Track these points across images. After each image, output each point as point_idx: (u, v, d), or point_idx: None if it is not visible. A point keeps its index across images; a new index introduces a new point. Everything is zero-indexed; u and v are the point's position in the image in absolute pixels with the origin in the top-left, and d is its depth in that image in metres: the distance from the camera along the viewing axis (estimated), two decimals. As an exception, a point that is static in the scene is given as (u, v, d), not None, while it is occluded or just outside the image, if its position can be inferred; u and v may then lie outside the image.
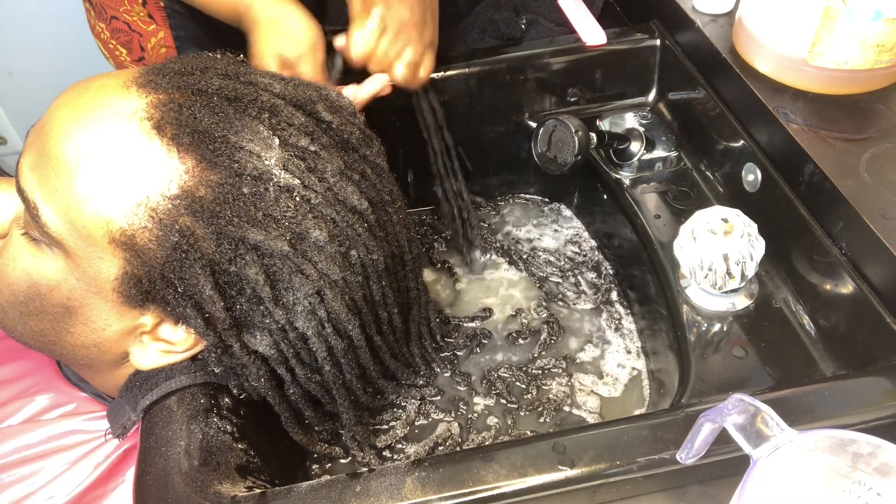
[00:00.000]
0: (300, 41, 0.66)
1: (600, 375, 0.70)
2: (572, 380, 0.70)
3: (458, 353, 0.72)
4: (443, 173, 0.80)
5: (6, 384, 0.62)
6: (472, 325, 0.76)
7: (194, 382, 0.53)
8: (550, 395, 0.68)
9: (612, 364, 0.71)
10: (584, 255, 0.82)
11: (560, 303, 0.78)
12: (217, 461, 0.49)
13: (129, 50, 0.95)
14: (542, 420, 0.66)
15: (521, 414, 0.67)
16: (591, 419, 0.67)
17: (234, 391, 0.55)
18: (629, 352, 0.72)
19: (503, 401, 0.68)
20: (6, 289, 0.52)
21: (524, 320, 0.76)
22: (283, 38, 0.66)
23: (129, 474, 0.56)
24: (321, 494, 0.46)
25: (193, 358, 0.54)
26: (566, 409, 0.67)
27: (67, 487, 0.55)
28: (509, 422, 0.66)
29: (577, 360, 0.72)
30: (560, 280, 0.80)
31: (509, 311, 0.77)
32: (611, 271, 0.80)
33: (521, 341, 0.74)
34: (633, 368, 0.71)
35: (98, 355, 0.54)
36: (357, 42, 0.68)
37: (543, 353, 0.72)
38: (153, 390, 0.53)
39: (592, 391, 0.69)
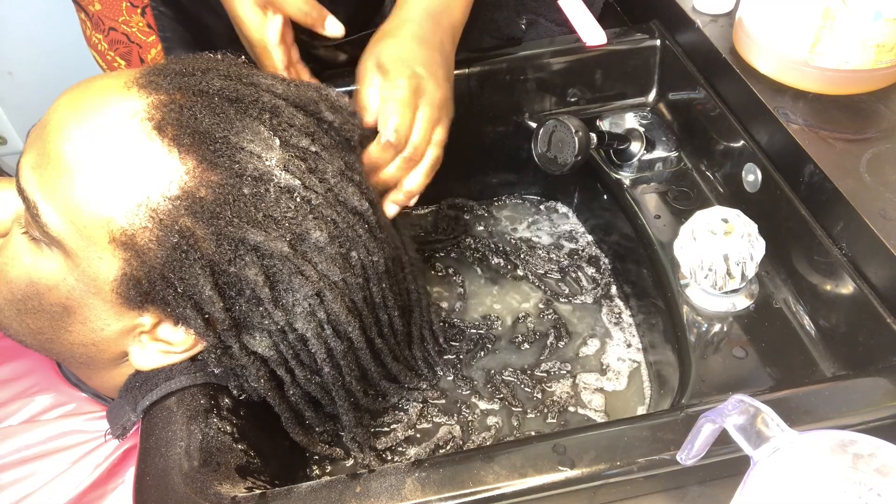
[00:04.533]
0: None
1: (602, 371, 0.70)
2: (577, 380, 0.70)
3: (462, 357, 0.72)
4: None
5: (6, 384, 0.62)
6: (477, 329, 0.75)
7: (194, 383, 0.53)
8: (555, 398, 0.68)
9: (613, 358, 0.71)
10: (584, 255, 0.82)
11: (561, 299, 0.78)
12: (217, 462, 0.49)
13: (128, 62, 0.94)
14: (548, 422, 0.66)
15: (527, 417, 0.67)
16: (597, 418, 0.67)
17: (234, 392, 0.55)
18: (629, 345, 0.72)
19: (508, 404, 0.68)
20: (5, 287, 0.52)
21: (530, 324, 0.76)
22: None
23: (129, 475, 0.56)
24: (321, 495, 0.46)
25: (193, 358, 0.54)
26: (571, 409, 0.67)
27: (67, 488, 0.55)
28: (515, 423, 0.66)
29: (580, 356, 0.72)
30: (560, 278, 0.80)
31: (514, 313, 0.77)
32: (609, 269, 0.80)
33: (526, 346, 0.73)
34: (633, 361, 0.71)
35: (96, 354, 0.54)
36: (393, 121, 0.58)
37: (550, 355, 0.72)
38: (153, 391, 0.53)
39: (597, 389, 0.69)
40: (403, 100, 0.59)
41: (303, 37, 0.83)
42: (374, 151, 0.59)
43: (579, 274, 0.80)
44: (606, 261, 0.81)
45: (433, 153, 0.63)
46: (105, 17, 0.91)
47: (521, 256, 0.82)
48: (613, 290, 0.78)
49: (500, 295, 0.79)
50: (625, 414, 0.67)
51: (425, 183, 0.63)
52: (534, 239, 0.85)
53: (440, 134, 0.63)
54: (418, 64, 0.61)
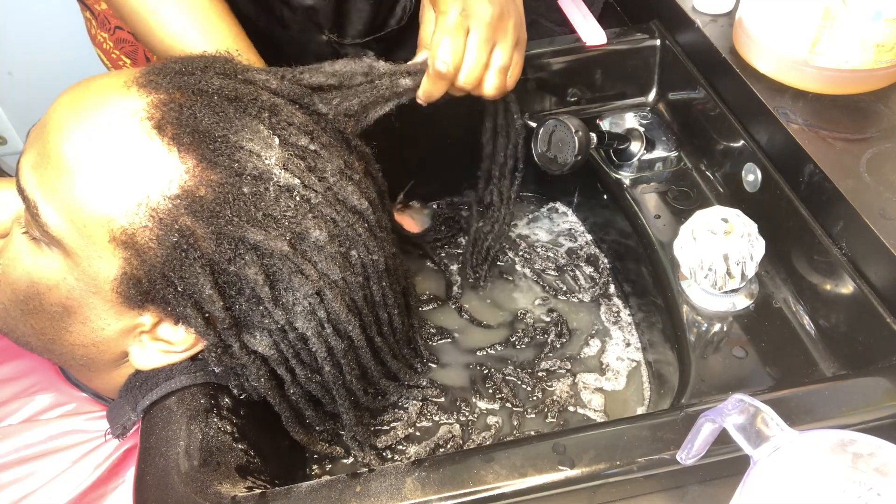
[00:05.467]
0: None
1: (602, 371, 0.70)
2: (576, 379, 0.70)
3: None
4: (492, 188, 0.74)
5: (6, 383, 0.62)
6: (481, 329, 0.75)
7: (194, 383, 0.53)
8: (555, 397, 0.68)
9: (612, 357, 0.72)
10: (583, 254, 0.82)
11: (560, 296, 0.78)
12: (217, 461, 0.49)
13: (134, 60, 0.94)
14: (547, 421, 0.66)
15: (527, 417, 0.67)
16: (597, 418, 0.67)
17: (235, 391, 0.55)
18: (628, 344, 0.72)
19: (508, 405, 0.68)
20: (6, 287, 0.52)
21: (529, 320, 0.76)
22: None
23: (129, 474, 0.56)
24: (321, 494, 0.46)
25: (193, 358, 0.54)
26: (571, 408, 0.67)
27: (67, 487, 0.55)
28: (515, 423, 0.66)
29: (581, 356, 0.72)
30: (557, 275, 0.80)
31: (513, 310, 0.77)
32: (608, 269, 0.80)
33: (526, 340, 0.73)
34: (632, 360, 0.71)
35: (97, 354, 0.54)
36: (442, 52, 0.55)
37: (550, 354, 0.72)
38: (153, 390, 0.53)
39: (596, 389, 0.69)
40: (450, 26, 0.55)
41: (332, 36, 0.83)
42: (424, 86, 0.58)
43: (577, 272, 0.80)
44: (605, 260, 0.81)
45: (493, 81, 0.59)
46: (111, 16, 0.91)
47: (520, 253, 0.82)
48: (612, 289, 0.78)
49: (499, 292, 0.79)
50: (624, 414, 0.67)
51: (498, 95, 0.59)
52: (532, 236, 0.85)
53: (500, 58, 0.59)
54: None
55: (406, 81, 0.59)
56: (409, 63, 0.59)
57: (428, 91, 0.59)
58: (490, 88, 0.60)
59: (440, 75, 0.57)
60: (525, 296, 0.79)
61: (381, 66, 0.58)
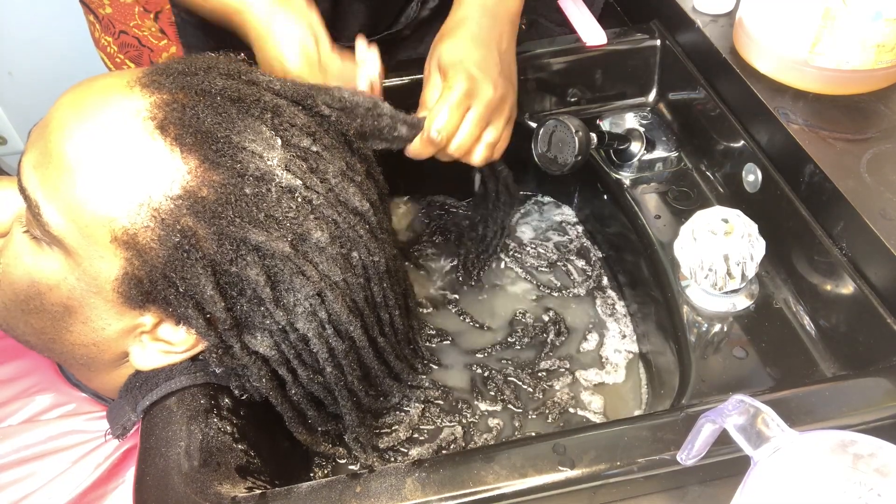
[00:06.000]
0: (294, 56, 0.63)
1: (601, 365, 0.71)
2: (576, 377, 0.70)
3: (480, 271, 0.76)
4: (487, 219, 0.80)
5: (6, 384, 0.62)
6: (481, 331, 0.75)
7: (194, 383, 0.53)
8: (556, 399, 0.68)
9: (610, 350, 0.72)
10: (584, 255, 0.82)
11: (554, 293, 0.78)
12: (217, 462, 0.49)
13: (138, 65, 0.94)
14: (548, 423, 0.66)
15: (529, 418, 0.67)
16: (597, 419, 0.67)
17: (236, 392, 0.55)
18: (624, 336, 0.73)
19: (510, 406, 0.68)
20: (7, 287, 0.52)
21: (528, 319, 0.76)
22: (276, 57, 0.63)
23: (129, 475, 0.56)
24: (321, 495, 0.46)
25: (194, 358, 0.54)
26: (571, 410, 0.67)
27: (67, 488, 0.55)
28: (517, 423, 0.66)
29: (580, 352, 0.72)
30: (550, 271, 0.80)
31: (510, 310, 0.77)
32: (609, 266, 0.80)
33: (526, 340, 0.73)
34: (629, 352, 0.72)
35: (97, 354, 0.54)
36: (439, 122, 0.61)
37: (551, 353, 0.72)
38: (153, 391, 0.53)
39: (597, 384, 0.69)
40: (453, 101, 0.61)
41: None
42: (415, 145, 0.62)
43: (569, 267, 0.81)
44: (607, 263, 0.81)
45: (482, 153, 0.65)
46: (116, 20, 0.91)
47: (510, 253, 0.82)
48: (605, 281, 0.79)
49: (496, 291, 0.79)
50: (622, 406, 0.67)
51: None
52: (536, 240, 0.85)
53: (491, 134, 0.65)
54: (473, 65, 0.62)
55: (402, 130, 0.62)
56: (410, 115, 0.63)
57: (417, 150, 0.63)
58: (478, 159, 0.65)
59: (432, 142, 0.62)
60: (522, 294, 0.79)
61: (385, 107, 0.60)
